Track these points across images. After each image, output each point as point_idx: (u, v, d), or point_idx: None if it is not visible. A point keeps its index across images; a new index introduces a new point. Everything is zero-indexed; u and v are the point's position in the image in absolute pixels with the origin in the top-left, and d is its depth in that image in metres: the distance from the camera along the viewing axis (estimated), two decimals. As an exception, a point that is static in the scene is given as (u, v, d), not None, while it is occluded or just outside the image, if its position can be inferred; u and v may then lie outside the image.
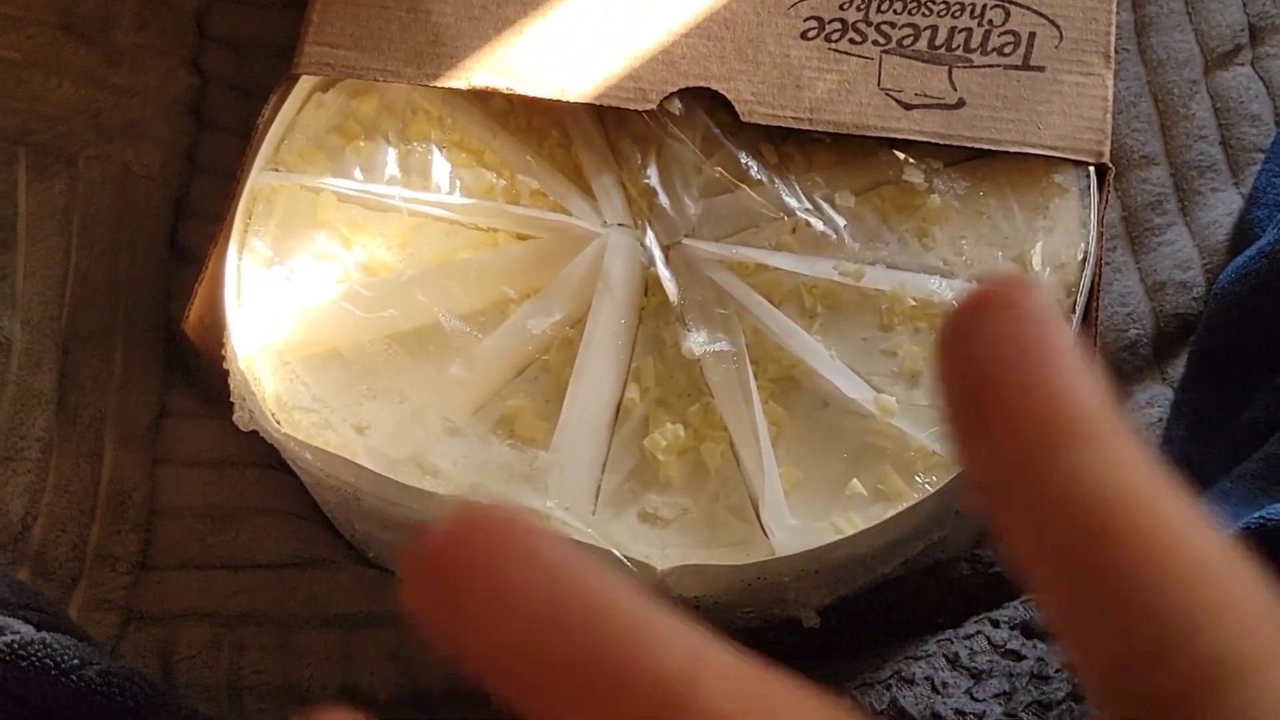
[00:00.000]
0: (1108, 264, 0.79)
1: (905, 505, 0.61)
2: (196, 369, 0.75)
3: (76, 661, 0.59)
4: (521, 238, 0.71)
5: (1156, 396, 0.75)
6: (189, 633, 0.69)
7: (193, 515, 0.72)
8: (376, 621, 0.69)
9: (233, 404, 0.66)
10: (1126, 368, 0.77)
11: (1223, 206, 0.80)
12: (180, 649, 0.69)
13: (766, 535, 0.62)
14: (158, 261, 0.78)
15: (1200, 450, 0.68)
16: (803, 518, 0.63)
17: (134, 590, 0.70)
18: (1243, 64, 0.85)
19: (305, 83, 0.73)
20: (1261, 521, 0.59)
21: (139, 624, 0.69)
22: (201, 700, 0.67)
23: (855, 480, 0.63)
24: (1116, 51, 0.73)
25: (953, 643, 0.63)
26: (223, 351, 0.67)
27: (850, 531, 0.61)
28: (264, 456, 0.72)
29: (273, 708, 0.68)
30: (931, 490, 0.62)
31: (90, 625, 0.68)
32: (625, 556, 0.60)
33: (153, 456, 0.73)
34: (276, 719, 0.68)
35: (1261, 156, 0.81)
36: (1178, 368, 0.76)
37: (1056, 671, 0.60)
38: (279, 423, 0.64)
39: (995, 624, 0.64)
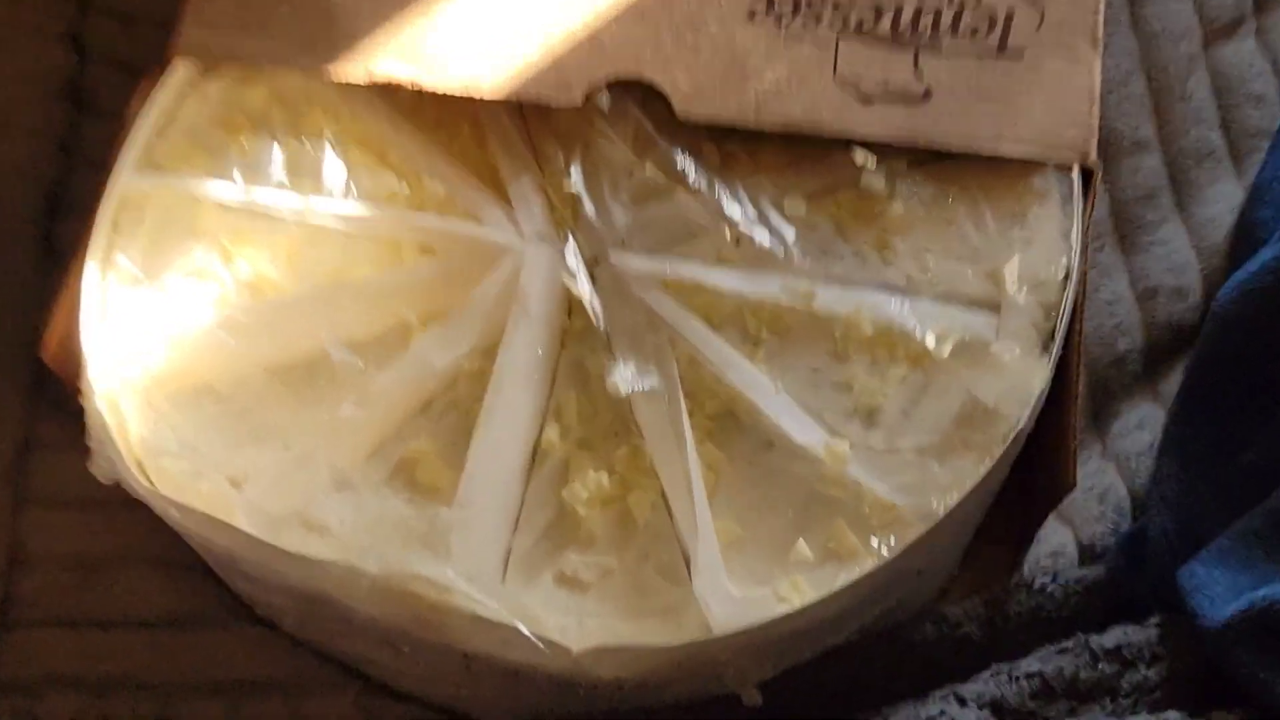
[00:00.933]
0: (1093, 267, 0.71)
1: (859, 571, 0.53)
2: (67, 394, 0.67)
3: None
4: (426, 251, 0.62)
5: (1147, 418, 0.67)
6: (53, 703, 0.61)
7: (60, 565, 0.64)
8: (264, 689, 0.61)
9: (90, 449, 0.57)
10: (1114, 385, 0.69)
11: (1223, 200, 0.72)
12: (43, 722, 0.61)
13: (701, 606, 0.54)
14: (26, 267, 0.70)
15: (1192, 492, 0.60)
16: (742, 583, 0.55)
17: (-9, 655, 0.62)
18: (1246, 37, 0.76)
19: (186, 69, 0.65)
20: (1269, 603, 0.51)
21: (-4, 692, 0.61)
22: (66, 782, 0.60)
23: (801, 541, 0.55)
24: (1107, 23, 0.64)
25: (913, 724, 0.56)
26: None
27: (797, 603, 0.53)
28: (142, 496, 0.64)
29: (148, 789, 0.60)
30: (889, 555, 0.54)
31: (-62, 697, 0.60)
32: (535, 635, 0.52)
33: (15, 496, 0.65)
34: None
35: (1266, 143, 0.73)
36: (1171, 384, 0.68)
37: (1033, 766, 0.53)
38: (144, 474, 0.56)
39: (962, 702, 0.56)
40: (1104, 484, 0.65)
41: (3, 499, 0.64)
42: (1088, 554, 0.63)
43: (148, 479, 0.56)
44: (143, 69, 0.74)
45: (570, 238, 0.62)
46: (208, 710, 0.61)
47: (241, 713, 0.61)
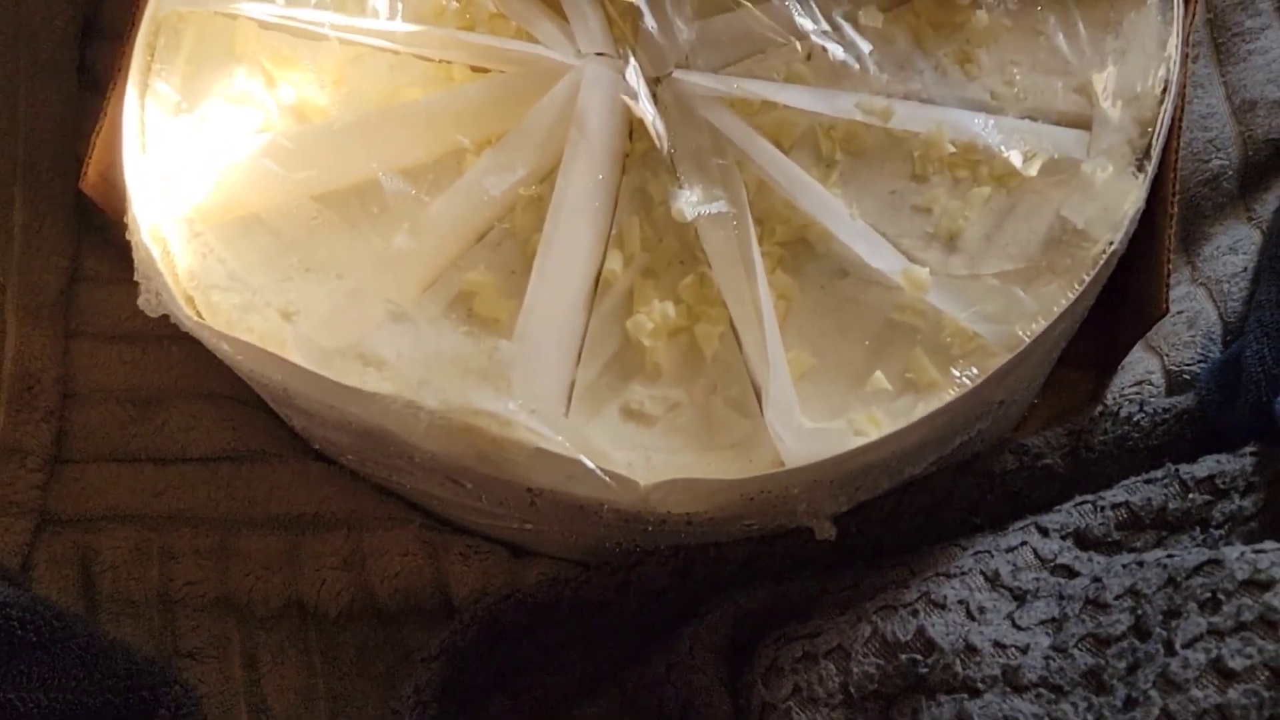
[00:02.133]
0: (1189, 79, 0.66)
1: (938, 402, 0.51)
2: (112, 226, 0.64)
3: (-33, 595, 0.51)
4: (478, 72, 0.59)
5: (1241, 240, 0.64)
6: (112, 538, 0.60)
7: (113, 400, 0.63)
8: (326, 524, 0.60)
9: (138, 284, 0.55)
10: (1206, 205, 0.65)
11: (1328, 4, 0.67)
12: (103, 557, 0.60)
13: (773, 438, 0.52)
14: (64, 93, 0.67)
15: None
16: (816, 415, 0.52)
17: (47, 489, 0.61)
18: None
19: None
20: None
21: (54, 528, 0.60)
22: (127, 617, 0.59)
23: (879, 373, 0.52)
24: None
25: (992, 556, 0.53)
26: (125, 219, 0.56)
27: (873, 435, 0.51)
28: (194, 329, 0.62)
29: (209, 623, 0.59)
30: (970, 385, 0.51)
31: (-4, 533, 0.59)
32: (602, 469, 0.50)
33: (65, 330, 0.63)
34: (212, 637, 0.59)
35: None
36: (1268, 204, 0.64)
37: (1117, 598, 0.51)
38: (193, 308, 0.54)
39: (1044, 532, 0.54)
40: (1193, 309, 0.62)
41: (53, 334, 0.63)
42: (1176, 382, 0.60)
43: (197, 313, 0.54)
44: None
45: (630, 55, 0.58)
46: (268, 544, 0.60)
47: (302, 546, 0.60)
